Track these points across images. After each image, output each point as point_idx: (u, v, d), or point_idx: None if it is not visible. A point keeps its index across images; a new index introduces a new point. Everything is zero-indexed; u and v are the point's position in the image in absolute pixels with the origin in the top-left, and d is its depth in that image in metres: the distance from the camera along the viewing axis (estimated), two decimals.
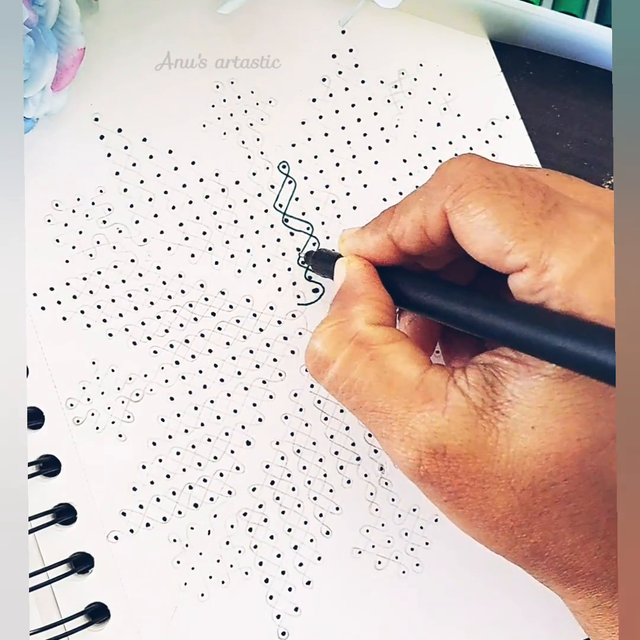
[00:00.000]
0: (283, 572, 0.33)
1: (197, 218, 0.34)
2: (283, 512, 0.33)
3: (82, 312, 0.34)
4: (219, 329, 0.34)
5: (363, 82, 0.35)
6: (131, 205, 0.34)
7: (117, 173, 0.34)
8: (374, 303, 0.27)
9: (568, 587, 0.26)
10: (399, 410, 0.25)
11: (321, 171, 0.35)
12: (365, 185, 0.35)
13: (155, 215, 0.34)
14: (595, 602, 0.26)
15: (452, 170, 0.25)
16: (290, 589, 0.33)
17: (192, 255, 0.34)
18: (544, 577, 0.26)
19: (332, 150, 0.35)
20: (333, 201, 0.34)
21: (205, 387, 0.34)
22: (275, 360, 0.34)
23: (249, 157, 0.34)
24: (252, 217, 0.34)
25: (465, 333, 0.26)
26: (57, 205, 0.34)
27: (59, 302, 0.34)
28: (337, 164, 0.35)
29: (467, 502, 0.24)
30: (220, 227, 0.34)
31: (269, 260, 0.34)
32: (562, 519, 0.24)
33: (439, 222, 0.25)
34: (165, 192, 0.34)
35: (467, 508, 0.25)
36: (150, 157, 0.34)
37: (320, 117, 0.35)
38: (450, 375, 0.25)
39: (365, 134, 0.35)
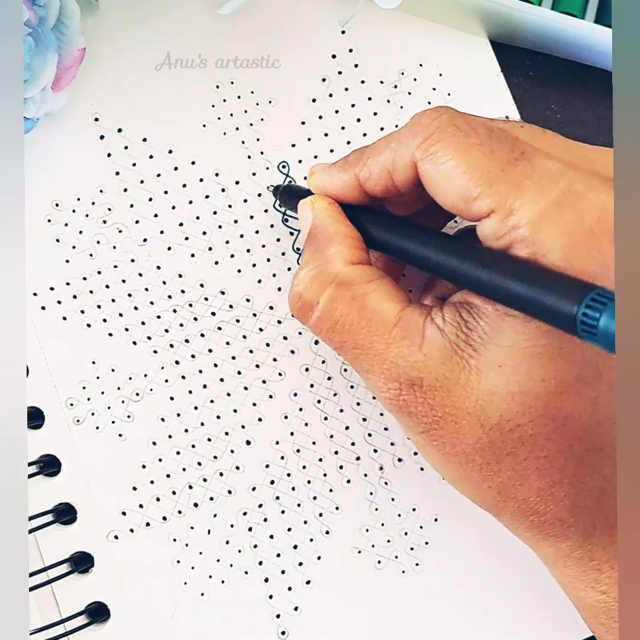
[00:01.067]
0: (283, 572, 0.33)
1: (197, 218, 0.34)
2: (283, 512, 0.33)
3: (82, 311, 0.34)
4: (219, 328, 0.34)
5: (363, 82, 0.35)
6: (131, 205, 0.34)
7: (117, 173, 0.34)
8: (348, 241, 0.28)
9: (537, 535, 0.26)
10: (379, 347, 0.26)
11: None
12: None
13: (155, 215, 0.34)
14: (565, 551, 0.26)
15: (425, 121, 0.26)
16: (290, 589, 0.33)
17: (192, 255, 0.34)
18: (514, 524, 0.26)
19: (332, 151, 0.35)
20: None
21: (205, 386, 0.34)
22: (275, 360, 0.34)
23: (249, 157, 0.34)
24: (252, 217, 0.34)
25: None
26: (57, 205, 0.34)
27: (59, 302, 0.34)
28: None
29: (441, 435, 0.25)
30: (220, 227, 0.34)
31: (269, 260, 0.34)
32: (528, 460, 0.25)
33: (407, 170, 0.26)
34: (166, 192, 0.34)
35: (440, 440, 0.25)
36: (151, 157, 0.34)
37: (320, 117, 0.35)
38: (427, 313, 0.26)
39: (365, 134, 0.35)
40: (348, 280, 0.27)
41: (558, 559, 0.26)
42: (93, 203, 0.34)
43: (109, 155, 0.34)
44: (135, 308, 0.34)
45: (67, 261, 0.34)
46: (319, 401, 0.34)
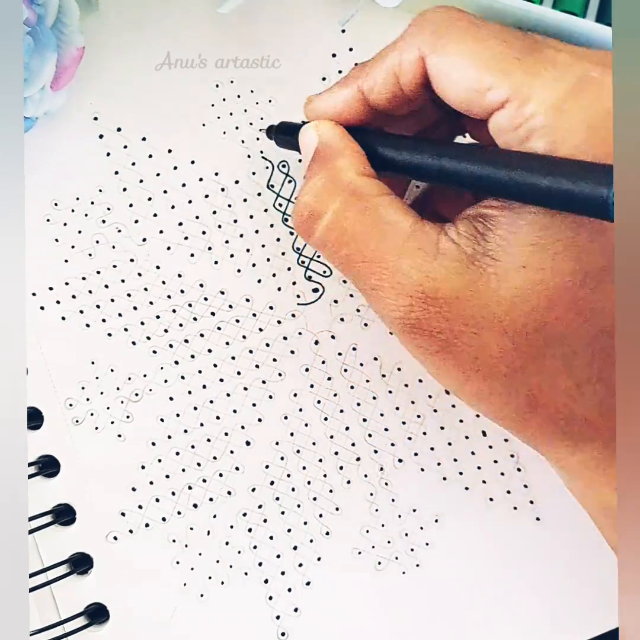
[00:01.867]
0: (283, 573, 0.33)
1: (197, 217, 0.34)
2: (283, 513, 0.33)
3: (82, 311, 0.34)
4: (219, 328, 0.34)
5: None
6: (130, 205, 0.34)
7: (116, 172, 0.34)
8: (357, 156, 0.27)
9: (564, 441, 0.25)
10: (391, 258, 0.25)
11: None
12: None
13: (155, 215, 0.34)
14: (590, 454, 0.25)
15: (432, 16, 0.25)
16: (289, 590, 0.33)
17: (192, 255, 0.34)
18: (539, 435, 0.25)
19: None
20: None
21: (204, 387, 0.34)
22: (274, 360, 0.34)
23: (249, 156, 0.34)
24: (251, 217, 0.34)
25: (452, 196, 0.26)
26: (56, 204, 0.34)
27: (58, 302, 0.34)
28: None
29: (460, 350, 0.24)
30: (219, 226, 0.34)
31: (268, 259, 0.34)
32: (556, 361, 0.24)
33: (415, 68, 0.25)
34: (165, 192, 0.34)
35: (460, 357, 0.24)
36: (150, 156, 0.34)
37: None
38: (441, 228, 0.25)
39: None
40: (361, 190, 0.26)
41: (584, 465, 0.26)
42: (92, 202, 0.34)
43: (108, 154, 0.34)
44: (135, 308, 0.34)
45: (66, 261, 0.34)
46: (319, 402, 0.34)
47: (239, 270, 0.34)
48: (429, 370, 0.26)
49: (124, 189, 0.34)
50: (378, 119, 0.28)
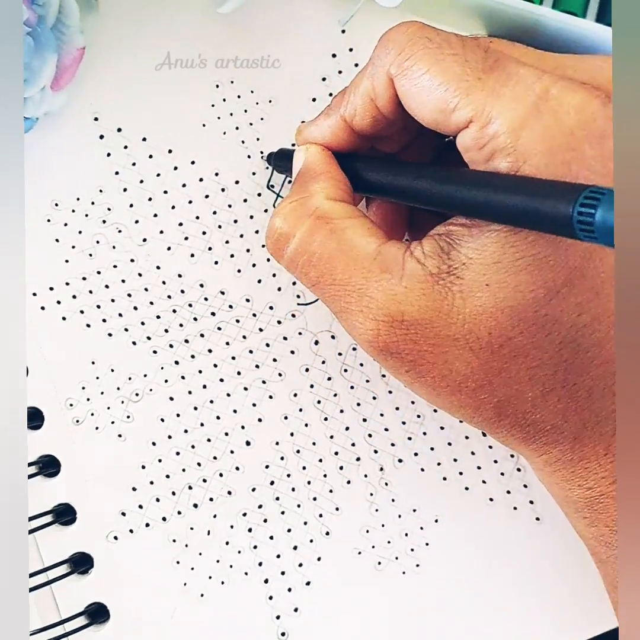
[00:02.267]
0: (283, 573, 0.33)
1: (197, 218, 0.34)
2: (283, 513, 0.33)
3: (82, 312, 0.34)
4: (219, 328, 0.34)
5: None
6: (131, 205, 0.34)
7: (116, 173, 0.34)
8: (333, 182, 0.27)
9: (531, 445, 0.26)
10: (357, 281, 0.25)
11: None
12: None
13: (155, 215, 0.34)
14: (557, 456, 0.26)
15: (394, 37, 0.26)
16: (289, 590, 0.33)
17: (192, 255, 0.34)
18: (508, 438, 0.26)
19: None
20: None
21: (204, 387, 0.34)
22: (275, 360, 0.34)
23: (249, 156, 0.34)
24: (252, 217, 0.34)
25: (430, 215, 0.26)
26: (56, 204, 0.34)
27: (58, 302, 0.34)
28: None
29: (428, 370, 0.25)
30: (220, 226, 0.34)
31: (268, 260, 0.34)
32: (521, 373, 0.25)
33: (387, 90, 0.26)
34: (165, 192, 0.34)
35: (428, 375, 0.25)
36: (150, 156, 0.34)
37: None
38: (407, 247, 0.26)
39: None
40: (327, 214, 0.26)
41: (549, 465, 0.26)
42: (92, 203, 0.34)
43: (108, 154, 0.34)
44: (135, 308, 0.34)
45: (67, 261, 0.34)
46: (319, 402, 0.34)
47: (239, 271, 0.34)
48: (403, 384, 0.27)
49: (125, 189, 0.34)
50: (368, 141, 0.29)
